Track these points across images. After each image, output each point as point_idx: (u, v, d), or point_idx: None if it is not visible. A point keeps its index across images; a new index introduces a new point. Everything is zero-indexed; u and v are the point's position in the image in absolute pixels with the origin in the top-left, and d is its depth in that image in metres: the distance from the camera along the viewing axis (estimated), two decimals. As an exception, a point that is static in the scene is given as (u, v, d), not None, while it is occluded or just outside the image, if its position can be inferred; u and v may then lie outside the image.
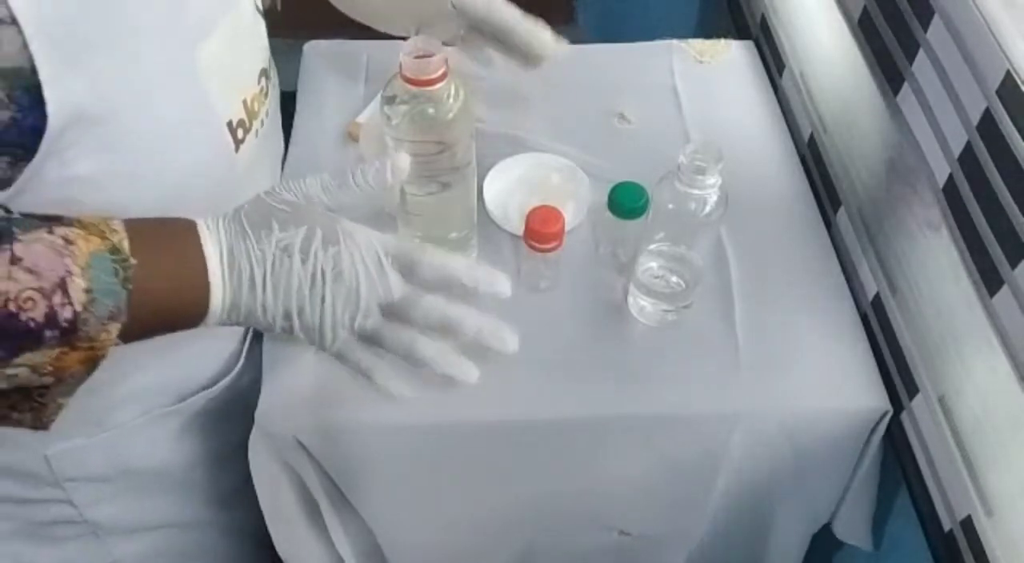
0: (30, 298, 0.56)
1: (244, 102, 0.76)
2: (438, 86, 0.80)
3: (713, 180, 0.81)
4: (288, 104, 0.95)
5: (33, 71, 0.56)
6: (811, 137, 1.12)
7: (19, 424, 0.65)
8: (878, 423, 0.90)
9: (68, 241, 0.58)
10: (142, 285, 0.60)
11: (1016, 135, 0.70)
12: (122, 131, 0.63)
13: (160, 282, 0.62)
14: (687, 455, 0.93)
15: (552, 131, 1.12)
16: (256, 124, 0.79)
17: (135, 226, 0.62)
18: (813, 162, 1.12)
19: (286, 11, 0.97)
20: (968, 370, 0.80)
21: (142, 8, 0.63)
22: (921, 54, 0.84)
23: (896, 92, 0.90)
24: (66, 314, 0.57)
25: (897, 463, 0.92)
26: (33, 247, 0.56)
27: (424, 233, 0.91)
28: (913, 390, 0.88)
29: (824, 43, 1.08)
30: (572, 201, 1.02)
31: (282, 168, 1.02)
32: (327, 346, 0.69)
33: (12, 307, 0.55)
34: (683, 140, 1.12)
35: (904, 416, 0.90)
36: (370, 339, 0.70)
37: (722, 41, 1.27)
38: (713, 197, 0.83)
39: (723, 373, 0.91)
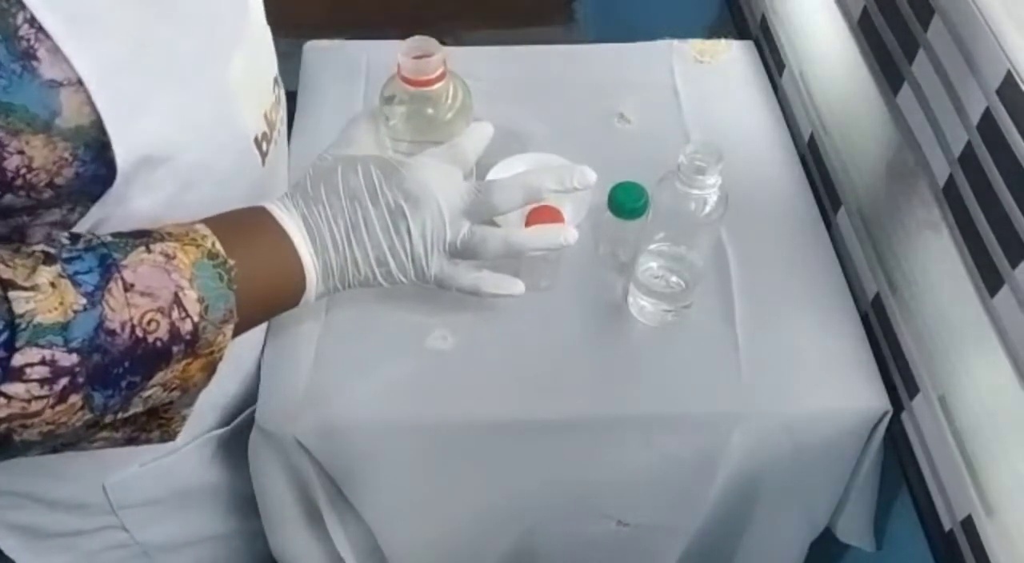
0: (152, 320, 0.57)
1: (265, 115, 0.76)
2: (436, 86, 0.80)
3: (713, 180, 0.81)
4: (288, 104, 0.95)
5: (93, 126, 0.56)
6: (811, 137, 1.11)
7: (148, 441, 0.66)
8: (878, 423, 0.90)
9: (168, 256, 0.59)
10: (244, 282, 0.62)
11: (1016, 135, 0.70)
12: (177, 166, 0.63)
13: (258, 274, 0.65)
14: (687, 454, 0.93)
15: (552, 131, 1.12)
16: (275, 134, 0.79)
17: (217, 226, 0.63)
18: (813, 162, 1.11)
19: (286, 11, 0.96)
20: (968, 370, 0.80)
21: (181, 36, 0.63)
22: (921, 54, 0.84)
23: (896, 92, 0.90)
24: (187, 327, 0.58)
25: (897, 463, 0.92)
26: (140, 270, 0.57)
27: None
28: (913, 390, 0.88)
29: (824, 43, 1.08)
30: (572, 201, 1.02)
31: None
32: (428, 276, 0.71)
33: (139, 332, 0.56)
34: (683, 140, 1.12)
35: (904, 416, 0.90)
36: (464, 253, 0.71)
37: (722, 41, 1.27)
38: (713, 197, 0.83)
39: (723, 373, 0.91)
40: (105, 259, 0.56)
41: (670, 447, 0.92)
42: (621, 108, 1.16)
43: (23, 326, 0.52)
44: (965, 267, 0.79)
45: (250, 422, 0.89)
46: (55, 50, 0.52)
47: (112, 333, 0.55)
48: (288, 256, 0.68)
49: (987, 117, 0.74)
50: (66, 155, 0.56)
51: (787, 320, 0.95)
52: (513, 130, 1.12)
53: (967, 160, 0.77)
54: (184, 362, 0.60)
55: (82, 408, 0.56)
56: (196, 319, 0.59)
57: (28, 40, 0.51)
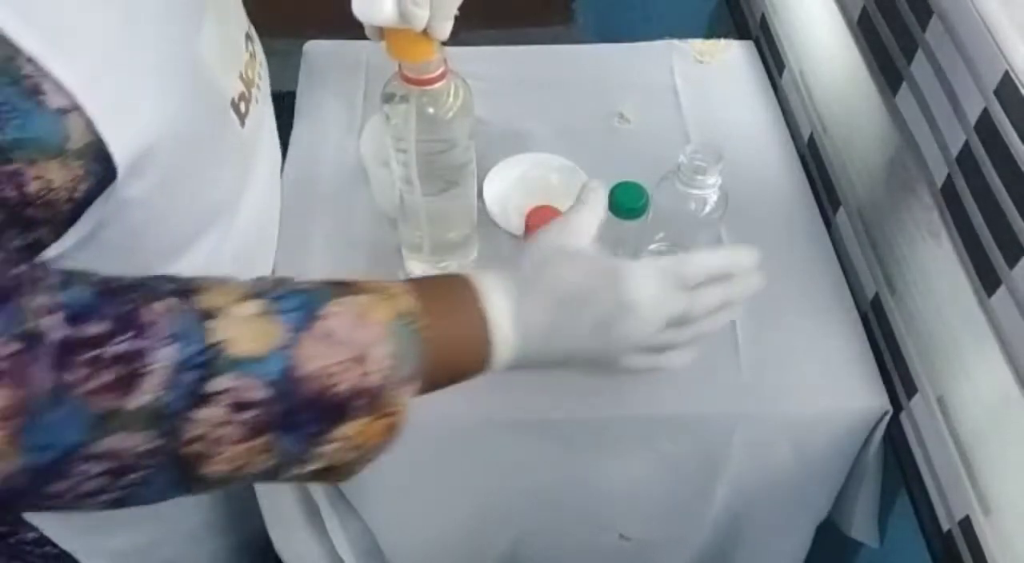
0: (339, 372, 0.56)
1: (240, 75, 0.76)
2: (438, 85, 0.80)
3: (713, 180, 0.81)
4: (288, 104, 0.95)
5: (99, 139, 0.57)
6: (811, 137, 1.12)
7: (326, 482, 0.66)
8: (878, 423, 0.91)
9: (365, 309, 0.58)
10: (432, 345, 0.61)
11: (1014, 135, 0.70)
12: (162, 148, 0.63)
13: (447, 341, 0.63)
14: (687, 455, 0.93)
15: (552, 131, 1.12)
16: (254, 91, 0.79)
17: (414, 286, 0.62)
18: (813, 162, 1.12)
19: (286, 11, 0.96)
20: (966, 370, 0.80)
21: (146, 21, 0.62)
22: (919, 54, 0.84)
23: (895, 92, 0.90)
24: (372, 382, 0.57)
25: (896, 463, 0.92)
26: (335, 321, 0.57)
27: (424, 233, 0.91)
28: (912, 390, 0.88)
29: (824, 43, 1.08)
30: (572, 201, 1.02)
31: (282, 168, 1.02)
32: (613, 370, 0.71)
33: (324, 382, 0.55)
34: (683, 140, 1.12)
35: (903, 416, 0.90)
36: (655, 348, 0.71)
37: (722, 41, 1.27)
38: (713, 197, 0.83)
39: (723, 373, 0.91)
40: (307, 304, 0.56)
41: (670, 448, 0.92)
42: (621, 108, 1.16)
43: (222, 352, 0.52)
44: (963, 267, 0.79)
45: None
46: (57, 81, 0.53)
47: (299, 380, 0.54)
48: (482, 331, 0.65)
49: (985, 117, 0.74)
50: (80, 172, 0.57)
51: (787, 320, 0.95)
52: (513, 130, 1.12)
53: (965, 160, 0.77)
54: (365, 420, 0.58)
55: (267, 451, 0.55)
56: (382, 376, 0.57)
57: (32, 77, 0.53)
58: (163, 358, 0.50)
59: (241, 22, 0.80)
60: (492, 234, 1.01)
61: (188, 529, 1.03)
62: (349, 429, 0.57)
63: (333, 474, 0.62)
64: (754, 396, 0.90)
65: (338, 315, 0.57)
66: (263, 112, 0.84)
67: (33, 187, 0.55)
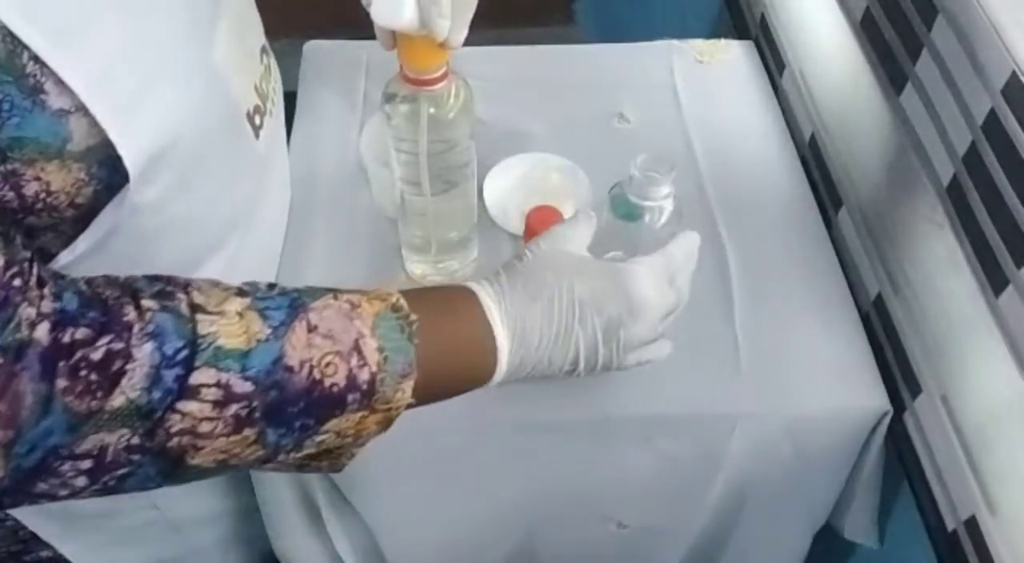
0: (331, 363, 0.57)
1: (255, 87, 0.76)
2: (439, 86, 0.80)
3: (667, 191, 0.80)
4: (288, 104, 0.95)
5: (103, 144, 0.56)
6: (812, 137, 1.11)
7: (316, 471, 0.66)
8: (879, 423, 0.90)
9: (353, 304, 0.59)
10: (426, 342, 0.61)
11: (1022, 135, 0.70)
12: (175, 155, 0.63)
13: (443, 339, 0.63)
14: (687, 455, 0.93)
15: (552, 131, 1.12)
16: (269, 105, 0.79)
17: (409, 290, 0.63)
18: (814, 162, 1.11)
19: (286, 11, 0.96)
20: (971, 369, 0.80)
21: (160, 23, 0.62)
22: (925, 54, 0.84)
23: (899, 92, 0.90)
24: (364, 375, 0.58)
25: (900, 463, 0.92)
26: (325, 313, 0.58)
27: (425, 234, 0.91)
28: (916, 389, 0.88)
29: (825, 43, 1.08)
30: (572, 201, 1.02)
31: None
32: (614, 370, 0.71)
33: (316, 374, 0.56)
34: (683, 140, 1.12)
35: (907, 416, 0.90)
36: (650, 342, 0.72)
37: (722, 41, 1.27)
38: (668, 208, 0.82)
39: (723, 373, 0.90)
40: (295, 301, 0.58)
41: (670, 448, 0.92)
42: (621, 108, 1.16)
43: (204, 346, 0.53)
44: (970, 268, 0.79)
45: None
46: (60, 81, 0.53)
47: (290, 370, 0.55)
48: (481, 336, 0.65)
49: (992, 117, 0.73)
50: (82, 176, 0.57)
51: (787, 320, 0.95)
52: (513, 130, 1.12)
53: (971, 160, 0.77)
54: (360, 414, 0.59)
55: (255, 443, 0.56)
56: (374, 368, 0.58)
57: (35, 76, 0.52)
58: (144, 356, 0.51)
59: (258, 34, 0.80)
60: (492, 234, 1.00)
61: (206, 545, 1.03)
62: (343, 422, 0.58)
63: (322, 461, 0.63)
64: (754, 396, 0.89)
65: (326, 309, 0.58)
66: (277, 127, 0.84)
67: (31, 189, 0.55)
